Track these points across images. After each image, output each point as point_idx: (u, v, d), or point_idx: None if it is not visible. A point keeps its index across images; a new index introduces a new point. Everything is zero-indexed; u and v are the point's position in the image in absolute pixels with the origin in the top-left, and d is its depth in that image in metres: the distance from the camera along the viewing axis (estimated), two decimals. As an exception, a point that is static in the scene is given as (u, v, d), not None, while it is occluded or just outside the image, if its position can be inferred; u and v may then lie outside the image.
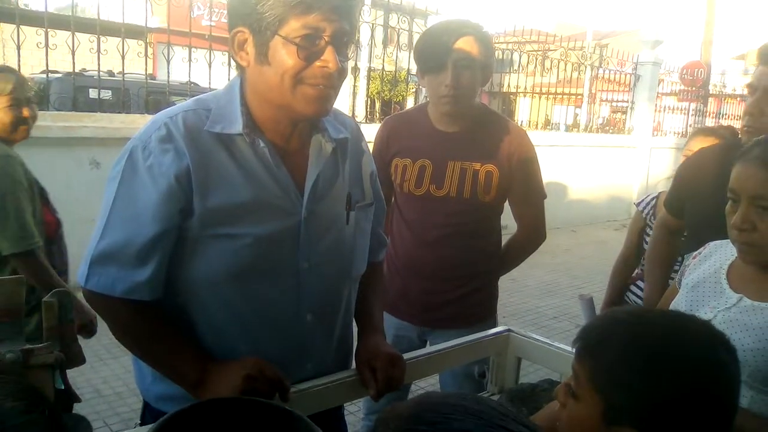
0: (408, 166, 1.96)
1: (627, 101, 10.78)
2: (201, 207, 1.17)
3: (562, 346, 1.63)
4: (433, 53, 1.82)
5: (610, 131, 11.04)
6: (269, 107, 1.21)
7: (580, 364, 0.94)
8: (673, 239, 2.21)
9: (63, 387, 0.91)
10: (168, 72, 5.45)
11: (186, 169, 1.15)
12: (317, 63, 1.13)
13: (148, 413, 1.36)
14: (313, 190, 1.27)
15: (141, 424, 1.38)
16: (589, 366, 0.92)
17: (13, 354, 0.84)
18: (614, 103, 13.68)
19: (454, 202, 1.92)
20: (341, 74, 1.17)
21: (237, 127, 1.19)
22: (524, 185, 1.97)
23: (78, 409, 3.11)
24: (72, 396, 0.94)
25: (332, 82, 1.16)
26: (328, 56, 1.13)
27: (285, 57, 1.12)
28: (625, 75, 10.32)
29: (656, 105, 10.77)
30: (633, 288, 2.68)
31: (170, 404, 1.27)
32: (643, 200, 2.75)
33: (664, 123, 11.56)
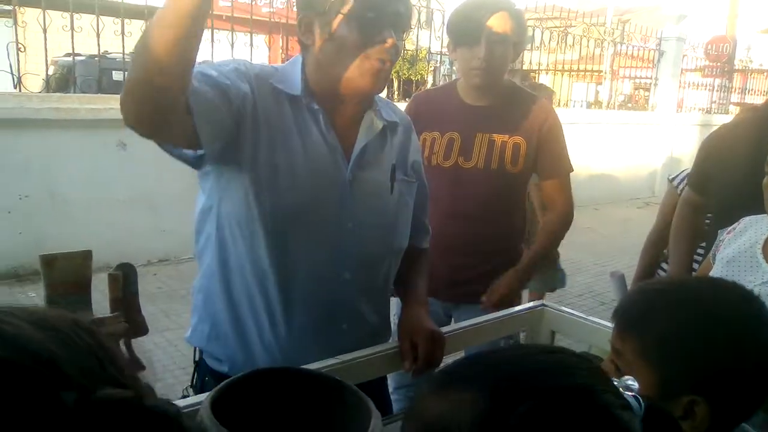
0: (437, 138, 2.00)
1: (650, 77, 10.63)
2: (255, 137, 1.23)
3: (596, 320, 1.65)
4: (468, 27, 1.85)
5: (633, 108, 10.91)
6: (328, 81, 1.28)
7: (623, 341, 0.93)
8: (696, 216, 2.21)
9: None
10: (191, 53, 5.47)
11: (255, 99, 1.23)
12: (377, 40, 1.22)
13: (197, 375, 1.42)
14: (359, 156, 1.34)
15: (191, 386, 1.44)
16: (636, 342, 0.91)
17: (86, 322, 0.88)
18: (636, 80, 13.48)
19: (482, 174, 1.95)
20: (397, 51, 1.26)
21: (297, 89, 1.29)
22: (551, 158, 2.00)
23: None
24: (138, 364, 0.98)
25: (390, 57, 1.24)
26: (386, 33, 1.22)
27: (346, 33, 1.22)
28: (648, 51, 10.16)
29: (680, 81, 10.61)
30: (664, 265, 2.68)
31: (215, 343, 1.36)
32: (677, 175, 2.72)
33: (688, 99, 11.39)
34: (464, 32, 1.88)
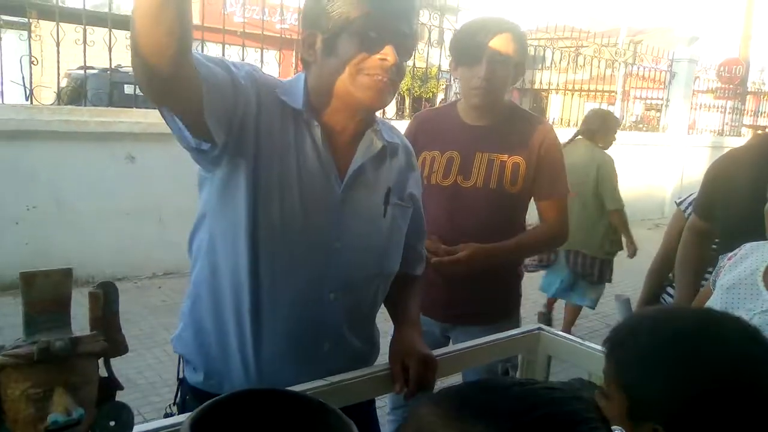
0: (436, 157, 2.00)
1: (661, 99, 10.60)
2: (256, 149, 1.23)
3: (593, 345, 1.62)
4: (469, 46, 1.87)
5: (644, 129, 10.86)
6: (330, 98, 1.29)
7: (608, 362, 0.94)
8: (703, 243, 2.18)
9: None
10: (202, 68, 5.52)
11: (260, 105, 1.23)
12: (377, 56, 1.22)
13: (180, 392, 1.41)
14: (353, 176, 1.33)
15: (174, 404, 1.43)
16: (615, 363, 0.92)
17: (62, 342, 0.87)
18: (648, 101, 13.45)
19: (481, 193, 1.94)
20: (399, 70, 1.26)
21: (299, 103, 1.29)
22: (549, 178, 1.99)
23: (133, 397, 3.22)
24: (116, 384, 0.96)
25: (390, 76, 1.24)
26: (388, 51, 1.23)
27: (348, 48, 1.23)
28: (660, 72, 10.14)
29: (692, 103, 10.57)
30: (669, 289, 2.64)
31: (201, 356, 1.35)
32: (684, 199, 2.69)
33: (700, 121, 11.34)
34: (466, 51, 1.89)
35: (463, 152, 1.97)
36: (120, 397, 3.44)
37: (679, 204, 2.73)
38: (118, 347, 0.97)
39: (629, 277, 5.92)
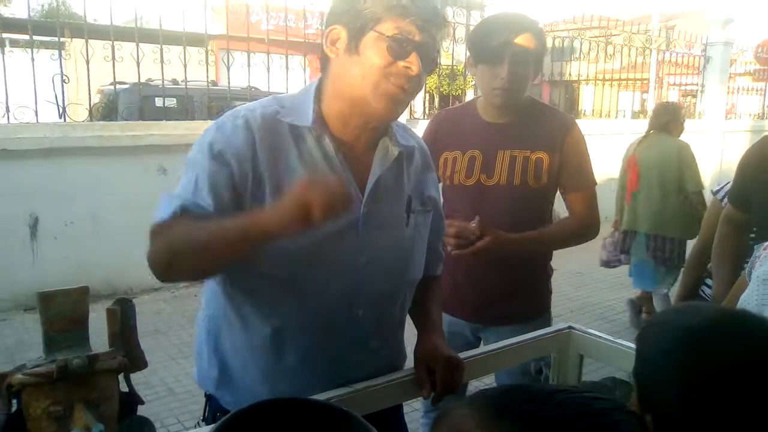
0: (458, 158, 1.97)
1: (697, 84, 10.34)
2: (266, 192, 1.21)
3: (625, 342, 1.58)
4: (491, 45, 1.82)
5: (680, 116, 10.61)
6: (343, 103, 1.26)
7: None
8: (739, 234, 2.11)
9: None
10: (228, 78, 5.59)
11: (255, 154, 1.21)
12: (402, 63, 1.19)
13: (208, 411, 1.41)
14: (374, 189, 1.30)
15: (203, 420, 1.44)
16: (636, 355, 0.91)
17: (79, 359, 0.88)
18: (683, 87, 13.13)
19: (504, 191, 1.91)
20: (419, 82, 1.24)
21: (307, 120, 1.25)
22: (575, 171, 1.94)
23: (153, 406, 3.29)
24: (136, 398, 0.97)
25: (411, 86, 1.22)
26: (413, 59, 1.19)
27: (375, 51, 1.19)
28: (694, 57, 9.89)
29: (729, 87, 10.27)
30: (708, 281, 2.56)
31: (225, 390, 1.34)
32: (722, 187, 2.60)
33: (739, 105, 11.01)
34: (487, 50, 1.84)
35: (484, 150, 1.93)
36: (160, 405, 3.56)
37: (715, 193, 2.63)
38: (137, 362, 0.97)
39: (669, 268, 5.79)
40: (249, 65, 5.55)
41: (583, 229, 1.99)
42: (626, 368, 1.53)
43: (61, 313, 0.91)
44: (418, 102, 7.50)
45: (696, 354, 0.83)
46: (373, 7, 1.19)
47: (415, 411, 2.37)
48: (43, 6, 13.81)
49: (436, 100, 9.71)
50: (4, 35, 4.81)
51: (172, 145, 5.02)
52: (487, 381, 2.66)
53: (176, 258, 1.13)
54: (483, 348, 1.72)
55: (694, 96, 10.98)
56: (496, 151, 1.92)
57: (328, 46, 1.25)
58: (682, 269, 2.64)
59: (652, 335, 0.90)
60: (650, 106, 10.47)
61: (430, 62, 1.24)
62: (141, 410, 1.02)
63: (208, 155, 1.20)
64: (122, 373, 0.95)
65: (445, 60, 7.47)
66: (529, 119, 1.94)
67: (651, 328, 0.93)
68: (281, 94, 1.36)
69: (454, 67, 7.63)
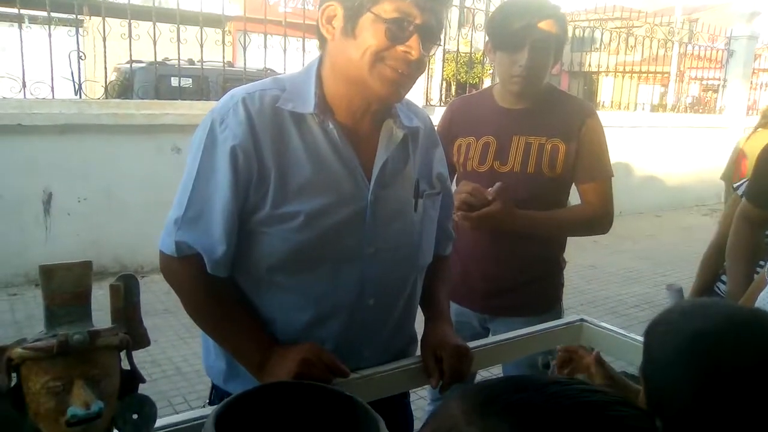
0: (471, 144, 1.92)
1: (719, 79, 10.17)
2: (270, 185, 1.18)
3: (638, 337, 1.54)
4: (511, 32, 1.76)
5: (700, 111, 10.45)
6: (344, 84, 1.21)
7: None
8: (756, 231, 2.06)
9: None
10: (244, 59, 5.56)
11: (258, 144, 1.18)
12: (401, 47, 1.14)
13: (215, 395, 1.40)
14: (381, 174, 1.26)
15: (209, 403, 1.43)
16: (643, 352, 0.90)
17: (80, 335, 0.86)
18: (704, 81, 12.93)
19: (518, 178, 1.86)
20: (420, 65, 1.18)
21: (309, 106, 1.21)
22: (591, 161, 1.88)
23: (160, 385, 3.30)
24: (137, 376, 0.95)
25: (410, 70, 1.17)
26: (413, 43, 1.14)
27: (371, 34, 1.13)
28: (717, 51, 9.72)
29: (751, 82, 10.10)
30: (724, 278, 2.51)
31: (233, 383, 1.31)
32: (742, 183, 2.55)
33: (762, 101, 10.81)
34: (507, 37, 1.78)
35: (499, 136, 1.89)
36: (168, 384, 3.56)
37: (736, 189, 2.58)
38: (140, 340, 0.96)
39: (683, 265, 5.73)
40: (265, 47, 5.52)
41: (595, 219, 1.92)
42: (638, 363, 1.50)
43: (63, 288, 0.89)
44: (435, 89, 7.44)
45: (707, 355, 0.81)
46: None
47: (421, 399, 2.36)
48: (62, -17, 13.80)
49: (453, 87, 9.63)
50: (23, 11, 4.80)
51: (187, 125, 4.99)
52: (496, 372, 2.64)
53: (200, 324, 1.29)
54: (492, 338, 1.69)
55: (715, 91, 10.81)
56: (511, 137, 1.87)
57: (323, 24, 1.20)
58: (700, 263, 2.59)
59: (659, 335, 0.88)
60: (670, 100, 10.34)
61: (432, 42, 1.19)
62: (149, 388, 1.01)
63: (227, 160, 1.17)
64: (124, 351, 0.93)
65: (463, 47, 7.39)
66: (546, 106, 1.89)
67: (658, 326, 0.90)
68: (281, 75, 1.31)
69: (472, 54, 7.54)
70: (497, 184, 1.75)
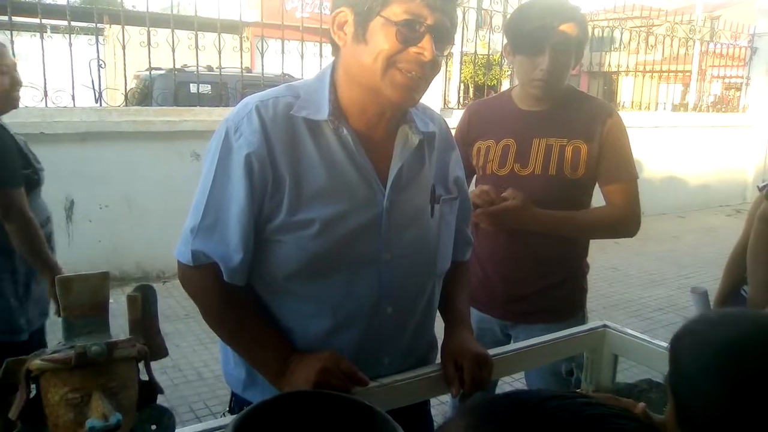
0: (491, 147, 1.90)
1: (742, 77, 10.01)
2: (285, 192, 1.18)
3: (662, 343, 1.51)
4: (531, 35, 1.74)
5: (723, 110, 10.31)
6: (358, 90, 1.20)
7: (669, 364, 0.90)
8: None
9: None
10: (262, 65, 5.59)
11: (272, 152, 1.17)
12: (413, 49, 1.12)
13: (234, 403, 1.39)
14: (396, 180, 1.25)
15: (229, 411, 1.42)
16: (671, 365, 0.88)
17: (98, 347, 0.86)
18: (727, 80, 12.74)
19: (539, 181, 1.83)
20: (434, 66, 1.16)
21: (323, 113, 1.20)
22: (614, 162, 1.85)
23: (181, 390, 3.31)
24: (156, 388, 0.95)
25: (424, 72, 1.15)
26: (425, 44, 1.12)
27: (383, 38, 1.12)
28: (740, 48, 9.57)
29: (776, 79, 9.93)
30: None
31: (252, 391, 1.31)
32: (767, 183, 2.48)
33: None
34: (526, 39, 1.76)
35: (519, 139, 1.86)
36: (189, 389, 3.56)
37: (762, 188, 2.52)
38: (157, 350, 0.95)
39: (707, 267, 5.64)
40: (283, 52, 5.53)
41: (620, 221, 1.88)
42: (663, 370, 1.47)
43: (81, 299, 0.89)
44: (453, 92, 7.42)
45: (737, 366, 0.79)
46: None
47: (441, 404, 2.34)
48: (83, -8, 14.02)
49: (471, 89, 9.59)
50: (44, 21, 4.87)
51: (206, 131, 5.02)
52: (518, 381, 2.61)
53: (219, 333, 1.29)
54: (513, 345, 1.66)
55: (738, 89, 10.65)
56: (531, 139, 1.85)
57: (335, 30, 1.19)
58: (726, 266, 2.54)
59: (687, 346, 0.86)
60: (691, 99, 10.20)
61: (445, 42, 1.17)
62: (170, 393, 1.01)
63: (241, 168, 1.16)
64: (142, 361, 0.93)
65: (481, 49, 7.35)
66: (566, 107, 1.86)
67: (685, 337, 0.88)
68: (295, 82, 1.30)
69: (490, 56, 7.50)
70: (509, 190, 1.73)
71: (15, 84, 2.29)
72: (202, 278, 1.22)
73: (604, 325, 1.63)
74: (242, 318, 1.25)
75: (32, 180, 2.30)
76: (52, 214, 2.48)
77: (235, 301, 1.24)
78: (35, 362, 0.86)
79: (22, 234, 2.16)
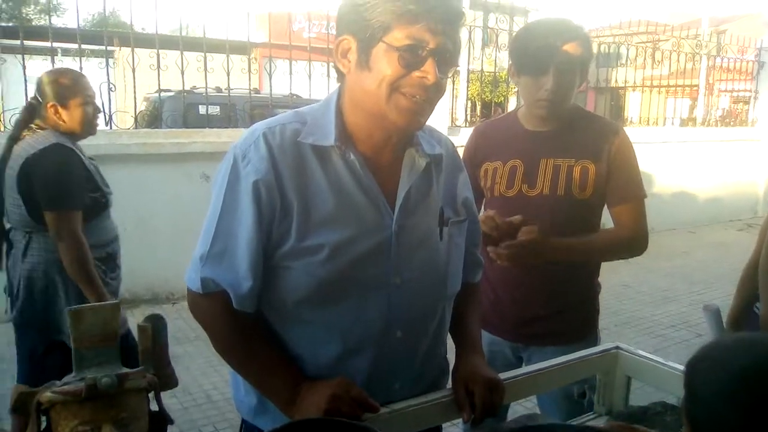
0: (498, 168, 1.89)
1: (750, 91, 9.99)
2: (293, 218, 1.18)
3: (675, 365, 1.50)
4: (535, 56, 1.74)
5: (731, 124, 10.28)
6: (364, 116, 1.21)
7: (684, 389, 0.88)
8: None
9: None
10: (270, 85, 5.63)
11: (280, 178, 1.17)
12: (416, 73, 1.13)
13: (245, 430, 1.39)
14: (404, 204, 1.25)
15: None
16: (686, 391, 0.86)
17: (108, 378, 0.86)
18: (735, 94, 12.73)
19: (547, 201, 1.82)
20: (438, 89, 1.16)
21: (330, 139, 1.20)
22: (623, 182, 1.84)
23: (191, 413, 3.30)
24: (166, 418, 0.95)
25: (428, 95, 1.15)
26: (428, 68, 1.12)
27: (385, 63, 1.13)
28: (747, 62, 9.57)
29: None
30: (764, 298, 2.43)
31: (263, 418, 1.30)
32: None
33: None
34: (530, 60, 1.76)
35: (526, 160, 1.86)
36: (198, 412, 3.55)
37: None
38: (167, 381, 0.95)
39: (719, 283, 5.60)
40: (291, 73, 5.58)
41: (631, 242, 1.88)
42: (677, 392, 1.45)
43: (92, 330, 0.89)
44: (460, 109, 7.44)
45: (755, 392, 0.78)
46: (380, 16, 1.12)
47: (453, 426, 2.31)
48: (93, 15, 14.24)
49: (478, 107, 9.62)
50: (56, 44, 4.93)
51: (215, 152, 5.06)
52: (530, 404, 2.58)
53: (228, 361, 1.30)
54: (525, 368, 1.65)
55: (746, 103, 10.63)
56: (539, 160, 1.84)
57: (339, 58, 1.20)
58: (739, 283, 2.51)
59: (703, 371, 0.85)
60: (699, 113, 10.18)
61: (449, 65, 1.17)
62: (180, 417, 1.00)
63: (249, 195, 1.17)
64: (152, 392, 0.93)
65: (487, 67, 7.38)
66: (573, 127, 1.86)
67: (700, 363, 0.87)
68: (302, 108, 1.30)
69: (497, 74, 7.53)
70: (516, 216, 1.71)
71: (96, 112, 2.55)
72: (212, 306, 1.22)
73: (617, 347, 1.62)
74: (252, 346, 1.25)
75: (100, 203, 2.50)
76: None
77: (245, 328, 1.24)
78: (45, 395, 0.86)
79: (70, 254, 2.31)
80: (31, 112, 2.47)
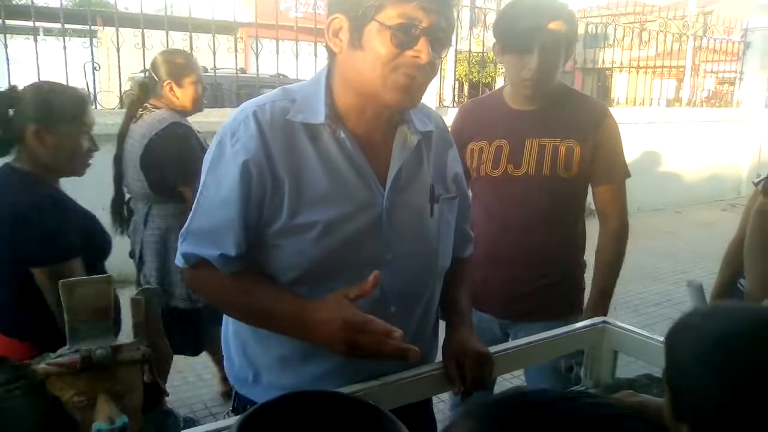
0: (484, 148, 1.90)
1: (735, 71, 10.05)
2: (285, 196, 1.18)
3: (661, 338, 1.52)
4: (519, 35, 1.74)
5: (717, 105, 10.34)
6: (355, 95, 1.20)
7: (664, 358, 0.90)
8: None
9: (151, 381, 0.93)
10: (257, 65, 5.58)
11: (270, 156, 1.17)
12: (409, 52, 1.12)
13: (238, 402, 1.40)
14: (396, 181, 1.25)
15: (232, 410, 1.42)
16: (666, 359, 0.88)
17: (102, 350, 0.87)
18: (720, 74, 12.79)
19: (533, 181, 1.84)
20: (432, 68, 1.16)
21: (319, 117, 1.20)
22: (607, 162, 1.87)
23: (181, 392, 3.31)
24: (161, 390, 0.95)
25: (422, 75, 1.15)
26: (422, 47, 1.12)
27: (379, 43, 1.12)
28: (733, 43, 9.61)
29: (769, 74, 9.98)
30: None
31: (256, 389, 1.32)
32: (763, 178, 2.50)
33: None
34: (514, 38, 1.76)
35: (512, 140, 1.86)
36: (190, 391, 3.56)
37: (757, 183, 2.53)
38: (161, 353, 0.96)
39: (704, 261, 5.67)
40: (278, 53, 5.53)
41: (619, 239, 1.97)
42: (662, 365, 1.48)
43: (85, 303, 0.90)
44: (448, 90, 7.42)
45: (734, 358, 0.79)
46: None
47: (441, 402, 2.34)
48: (76, -5, 14.00)
49: (466, 87, 9.59)
50: (38, 24, 4.85)
51: (202, 131, 5.02)
52: (518, 380, 2.61)
53: (235, 317, 1.32)
54: (514, 342, 1.67)
55: (732, 83, 10.69)
56: (524, 139, 1.85)
57: (330, 37, 1.18)
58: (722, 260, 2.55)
59: (682, 341, 0.86)
60: (685, 94, 10.24)
61: (442, 44, 1.17)
62: (171, 396, 1.01)
63: (237, 173, 1.17)
64: (147, 364, 0.94)
65: (475, 47, 7.36)
66: (559, 107, 1.87)
67: (681, 330, 0.88)
68: (290, 85, 1.29)
69: (485, 54, 7.51)
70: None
71: (204, 91, 2.76)
72: (199, 273, 1.25)
73: (603, 322, 1.64)
74: (252, 299, 1.23)
75: None
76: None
77: (242, 283, 1.23)
78: (41, 366, 0.86)
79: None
80: (146, 91, 2.62)
